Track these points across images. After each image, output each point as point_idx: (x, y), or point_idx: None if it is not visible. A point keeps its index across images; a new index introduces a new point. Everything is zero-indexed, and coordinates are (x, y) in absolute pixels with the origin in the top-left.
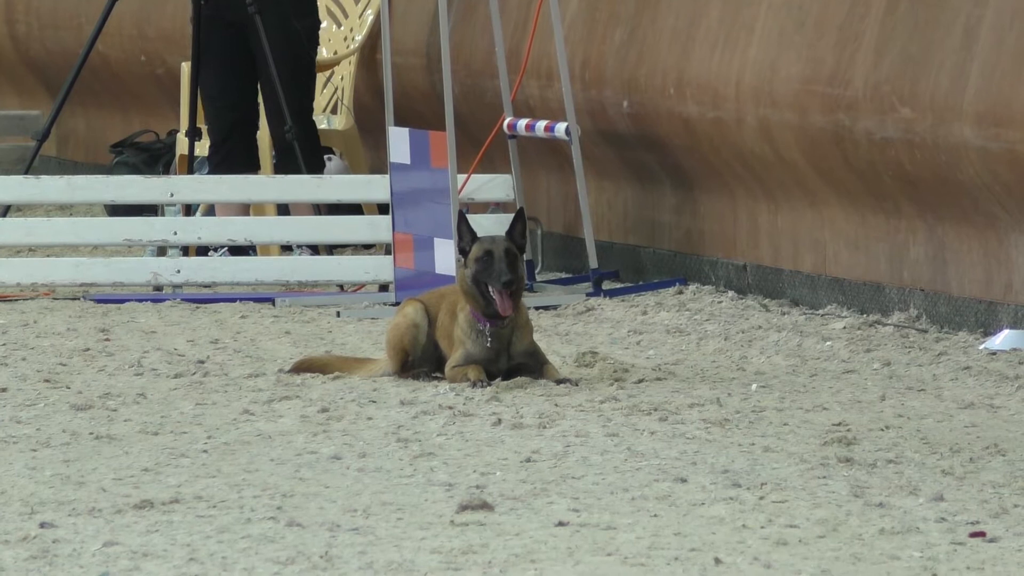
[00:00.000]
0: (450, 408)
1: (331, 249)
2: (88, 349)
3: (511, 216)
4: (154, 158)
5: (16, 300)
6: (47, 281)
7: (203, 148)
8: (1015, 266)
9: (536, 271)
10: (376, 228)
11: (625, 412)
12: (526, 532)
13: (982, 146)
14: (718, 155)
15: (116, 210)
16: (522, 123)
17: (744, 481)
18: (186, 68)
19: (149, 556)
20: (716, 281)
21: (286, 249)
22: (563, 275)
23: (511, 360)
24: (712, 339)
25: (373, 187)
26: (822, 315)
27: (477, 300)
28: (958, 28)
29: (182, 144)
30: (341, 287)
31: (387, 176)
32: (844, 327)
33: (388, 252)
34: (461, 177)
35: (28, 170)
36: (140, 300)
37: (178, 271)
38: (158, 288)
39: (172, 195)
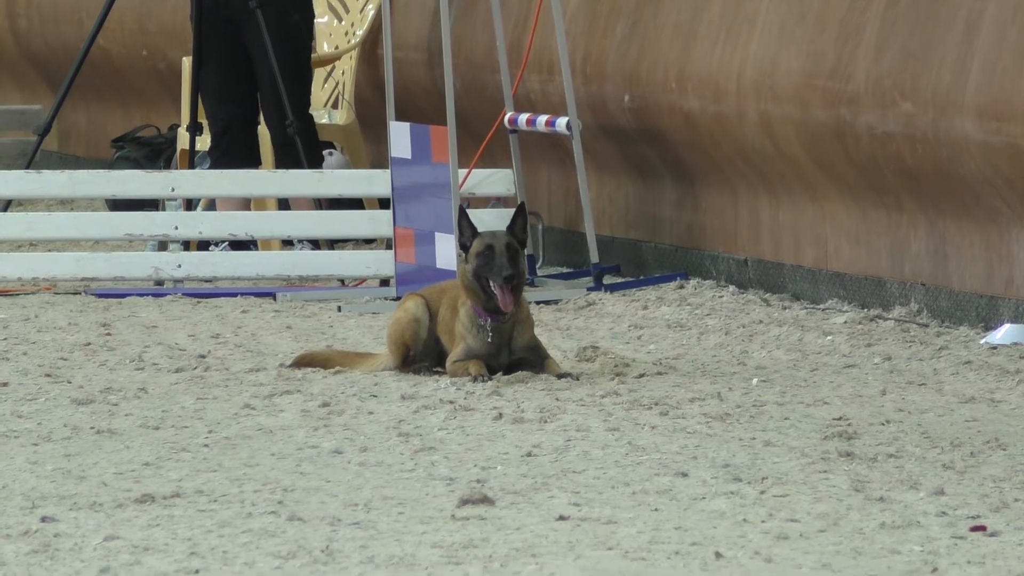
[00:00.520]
0: (451, 402)
1: (332, 244)
2: (89, 344)
3: (512, 211)
4: (155, 153)
5: (17, 295)
6: (48, 276)
7: (204, 143)
8: (1016, 260)
9: (537, 266)
10: (377, 223)
11: (626, 407)
12: (527, 526)
13: (983, 140)
14: (719, 149)
15: (117, 205)
16: (523, 117)
17: (745, 475)
18: (187, 63)
19: (150, 550)
20: (717, 276)
21: (287, 244)
22: (564, 270)
23: (512, 355)
24: (713, 334)
25: (374, 182)
26: (823, 309)
27: (478, 295)
28: (959, 22)
29: (183, 139)
30: (342, 282)
31: (388, 171)
32: (845, 321)
33: (389, 247)
34: (462, 172)
35: (29, 165)
36: (141, 295)
37: (179, 266)
38: (159, 283)
39: (173, 190)
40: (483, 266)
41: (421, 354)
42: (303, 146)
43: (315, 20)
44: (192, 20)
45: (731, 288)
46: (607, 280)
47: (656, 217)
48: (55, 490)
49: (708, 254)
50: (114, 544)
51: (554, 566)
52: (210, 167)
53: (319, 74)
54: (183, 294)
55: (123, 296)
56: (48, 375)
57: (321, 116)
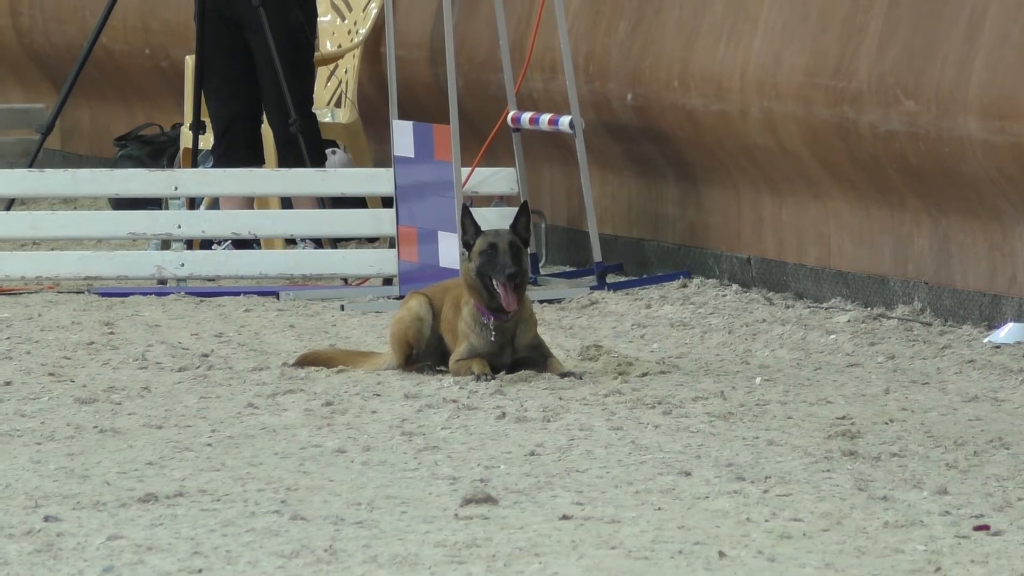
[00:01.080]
0: (454, 402)
1: (335, 242)
2: (92, 343)
3: (515, 209)
4: (158, 151)
5: (20, 294)
6: (51, 275)
7: (207, 141)
8: (1020, 259)
9: (540, 264)
10: (380, 221)
11: (629, 406)
12: (530, 526)
13: (986, 139)
14: (722, 148)
15: (120, 203)
16: (526, 116)
17: (748, 474)
18: (190, 61)
19: (153, 550)
20: (720, 274)
21: (290, 242)
22: (567, 268)
23: (515, 353)
24: (716, 332)
25: (377, 180)
26: (826, 308)
27: (481, 293)
28: (962, 20)
29: (186, 137)
30: (345, 280)
31: (391, 169)
32: (848, 320)
33: (392, 245)
34: (465, 170)
35: (32, 163)
36: (144, 293)
37: (182, 264)
38: (162, 281)
39: (176, 188)
40: (486, 264)
41: (424, 353)
42: (306, 145)
43: (318, 18)
44: (196, 19)
45: (734, 287)
46: (610, 279)
47: (659, 215)
48: (58, 489)
49: (711, 253)
50: (117, 543)
51: (557, 565)
52: (213, 166)
53: (322, 72)
54: (186, 293)
55: (126, 295)
56: (51, 374)
57: (324, 115)
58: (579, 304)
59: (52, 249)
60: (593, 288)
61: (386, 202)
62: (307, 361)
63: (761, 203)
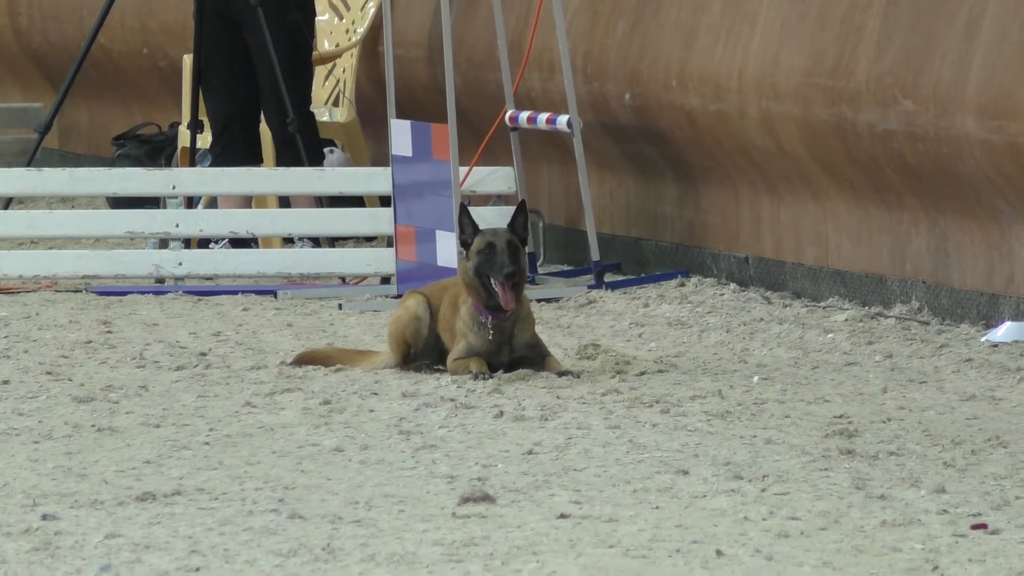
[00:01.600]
0: (452, 400)
1: (333, 242)
2: (90, 341)
3: (513, 208)
4: (156, 150)
5: (18, 292)
6: (49, 273)
7: (205, 141)
8: (1017, 258)
9: (538, 263)
10: (378, 220)
11: (627, 404)
12: (528, 524)
13: (984, 138)
14: (720, 147)
15: (118, 202)
16: (524, 115)
17: (746, 473)
18: (188, 61)
19: (151, 548)
20: (718, 273)
21: (288, 241)
22: (565, 267)
23: (513, 352)
24: (714, 331)
25: (375, 179)
26: (824, 307)
27: (479, 292)
28: (960, 20)
29: (184, 136)
30: (343, 279)
31: (389, 168)
32: (846, 319)
33: (390, 244)
34: (463, 169)
35: (30, 163)
36: (142, 292)
37: (180, 263)
38: (160, 280)
39: (174, 187)
40: (484, 263)
41: (422, 352)
42: (304, 144)
43: (316, 18)
44: (194, 18)
45: (732, 286)
46: (608, 278)
47: (657, 215)
48: (56, 488)
49: (709, 252)
50: (115, 542)
51: (555, 564)
52: (211, 165)
53: (320, 72)
54: (184, 292)
55: (124, 294)
56: (49, 373)
57: (322, 114)
58: (577, 303)
59: (50, 248)
60: (591, 287)
61: (384, 201)
62: (305, 360)
63: (759, 202)
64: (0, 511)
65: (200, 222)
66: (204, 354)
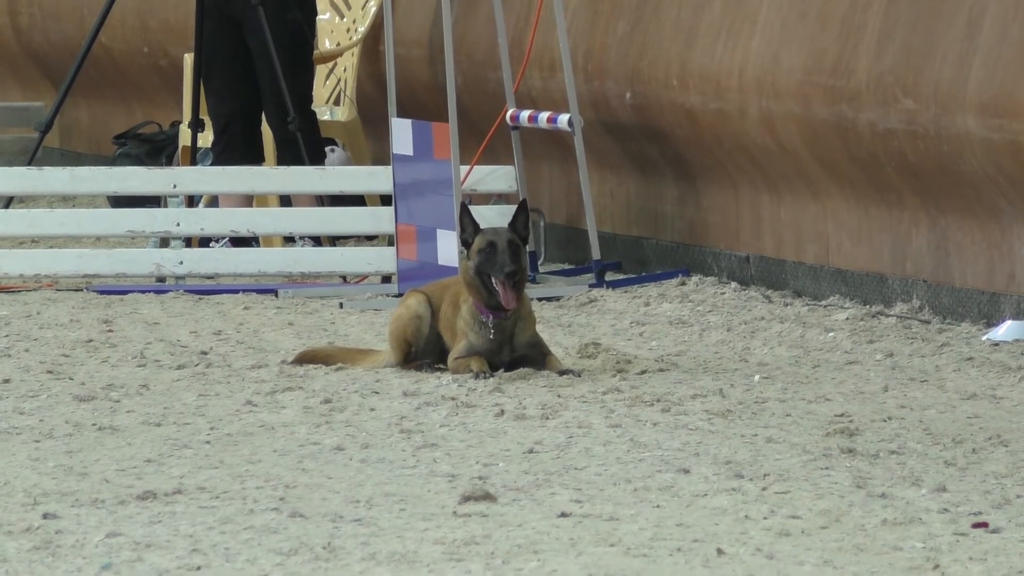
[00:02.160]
0: (453, 399)
1: (334, 240)
2: (91, 340)
3: (514, 207)
4: (157, 149)
5: (19, 291)
6: (50, 272)
7: (206, 139)
8: (1018, 257)
9: (539, 262)
10: (379, 219)
11: (628, 403)
12: (529, 523)
13: (985, 137)
14: (721, 146)
15: (119, 201)
16: (525, 114)
17: (747, 472)
18: (188, 60)
19: (152, 547)
20: (719, 272)
21: (289, 240)
22: (566, 266)
23: (514, 351)
24: (715, 330)
25: (376, 178)
26: (825, 306)
27: (480, 291)
28: (961, 19)
29: (185, 135)
30: (344, 278)
31: (390, 167)
32: (847, 318)
33: (391, 243)
34: (464, 168)
35: (31, 161)
36: (143, 291)
37: (181, 262)
38: (161, 279)
39: (175, 186)
40: (485, 262)
41: (423, 351)
42: (305, 143)
43: (317, 17)
44: (196, 17)
45: (733, 285)
46: (609, 277)
47: (658, 214)
48: (57, 487)
49: (710, 251)
50: (116, 541)
51: (556, 563)
52: (212, 164)
53: (321, 71)
54: (185, 291)
55: (125, 293)
56: (50, 372)
57: (323, 113)
58: (578, 302)
59: (51, 247)
60: (592, 286)
61: (385, 200)
62: (306, 359)
63: (760, 201)
64: (1, 510)
65: (201, 221)
66: (205, 353)
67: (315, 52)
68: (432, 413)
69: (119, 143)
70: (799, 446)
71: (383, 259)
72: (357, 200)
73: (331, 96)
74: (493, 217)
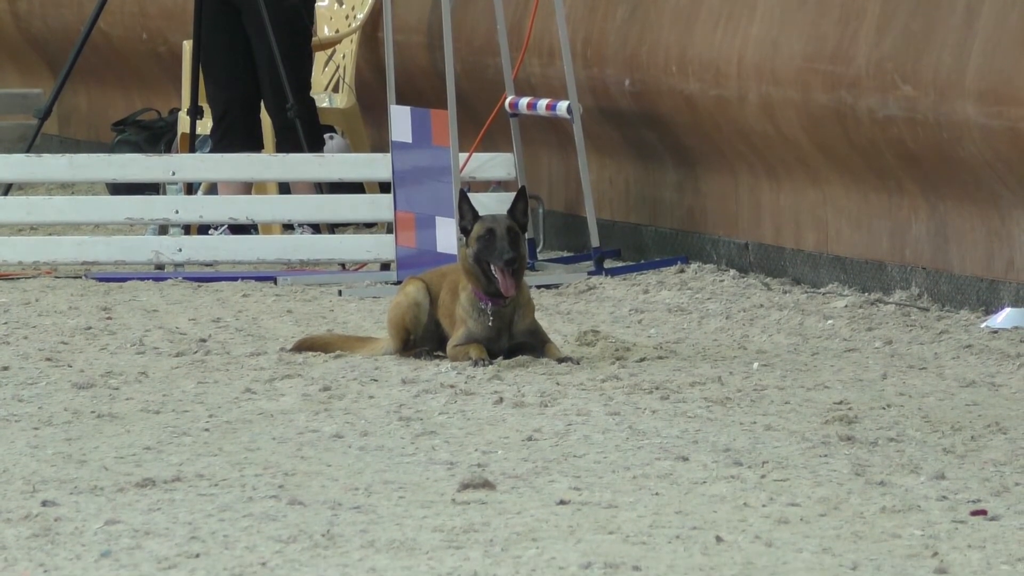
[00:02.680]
0: (451, 387)
1: (333, 228)
2: (90, 328)
3: (513, 195)
4: (156, 136)
5: (18, 279)
6: (49, 260)
7: (205, 126)
8: (1017, 244)
9: (537, 250)
10: (377, 207)
11: (626, 391)
12: (527, 510)
13: (984, 124)
14: (720, 133)
15: (118, 188)
16: (524, 101)
17: (745, 459)
18: (188, 46)
19: (151, 534)
20: (718, 260)
21: (288, 228)
22: (564, 254)
23: (512, 339)
24: (714, 318)
25: (375, 166)
26: (824, 294)
27: (479, 279)
28: (960, 6)
29: (184, 122)
30: (343, 266)
31: (389, 155)
32: (846, 305)
33: (390, 231)
34: (463, 155)
35: (30, 148)
36: (142, 278)
37: (180, 250)
38: (160, 267)
39: (174, 173)
40: (484, 250)
41: (422, 338)
42: (304, 130)
43: (315, 3)
44: (194, 3)
45: (732, 272)
46: (608, 264)
47: (657, 201)
48: (56, 474)
49: (709, 238)
50: (115, 528)
51: (555, 550)
52: (211, 151)
53: (320, 58)
54: (184, 278)
55: (124, 280)
56: (49, 359)
57: (322, 100)
58: (577, 289)
59: (49, 234)
60: (591, 273)
61: (384, 187)
62: (305, 346)
63: (759, 188)
64: (0, 497)
65: (200, 208)
66: (204, 340)
67: (314, 39)
68: (431, 400)
69: (118, 130)
70: (798, 434)
71: (382, 246)
72: (356, 187)
73: (330, 83)
74: (492, 204)
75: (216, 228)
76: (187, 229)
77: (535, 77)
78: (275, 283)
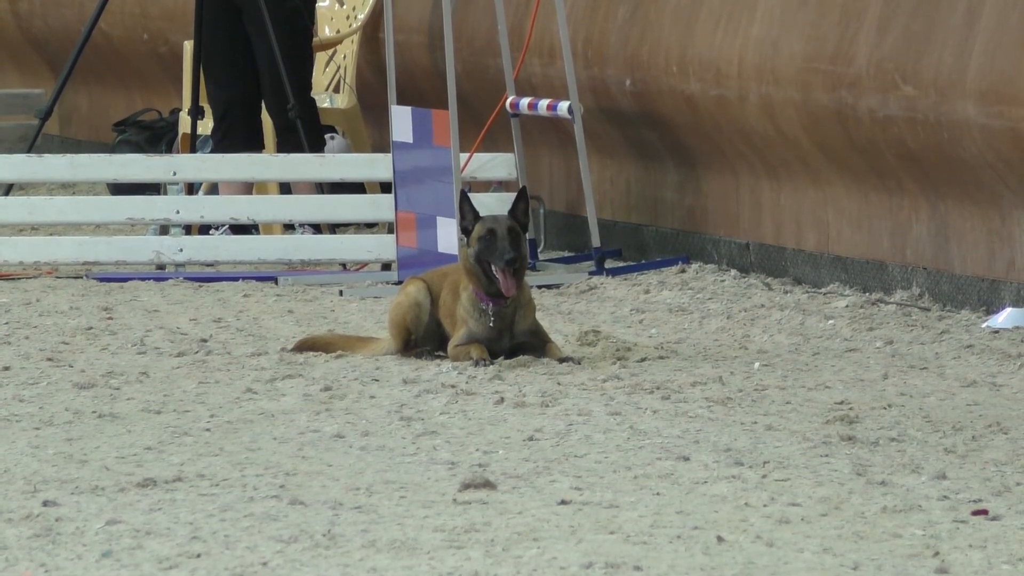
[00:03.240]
0: (453, 387)
1: (333, 228)
2: (91, 328)
3: (513, 195)
4: (157, 137)
5: (19, 279)
6: (50, 260)
7: (206, 127)
8: (1018, 244)
9: (538, 250)
10: (378, 207)
11: (627, 391)
12: (528, 510)
13: (985, 124)
14: (721, 133)
15: (119, 189)
16: (524, 101)
17: (746, 459)
18: (188, 47)
19: (152, 534)
20: (719, 259)
21: (289, 228)
22: (565, 254)
23: (513, 339)
24: (714, 318)
25: (376, 166)
26: (824, 293)
27: (480, 279)
28: (961, 6)
29: (185, 123)
30: (344, 266)
31: (390, 155)
32: (847, 305)
33: (391, 231)
34: (464, 156)
35: (31, 148)
36: (143, 279)
37: (181, 250)
38: (161, 267)
39: (175, 174)
40: (485, 250)
41: (423, 338)
42: (304, 130)
43: (316, 4)
44: (195, 3)
45: (733, 272)
46: (608, 264)
47: (658, 201)
48: (57, 474)
49: (710, 238)
50: (116, 528)
51: (556, 550)
52: (212, 151)
53: (320, 58)
54: (185, 278)
55: (125, 280)
56: (50, 359)
57: (323, 100)
58: (578, 289)
59: (50, 234)
60: (592, 273)
61: (385, 187)
62: (306, 346)
63: (760, 188)
64: (1, 497)
65: (201, 208)
66: (205, 340)
67: (315, 39)
68: (432, 401)
69: (119, 130)
70: (799, 434)
71: (383, 246)
72: (357, 187)
73: (331, 83)
74: (493, 204)
75: (217, 228)
76: (188, 229)
77: (536, 77)
78: (276, 283)
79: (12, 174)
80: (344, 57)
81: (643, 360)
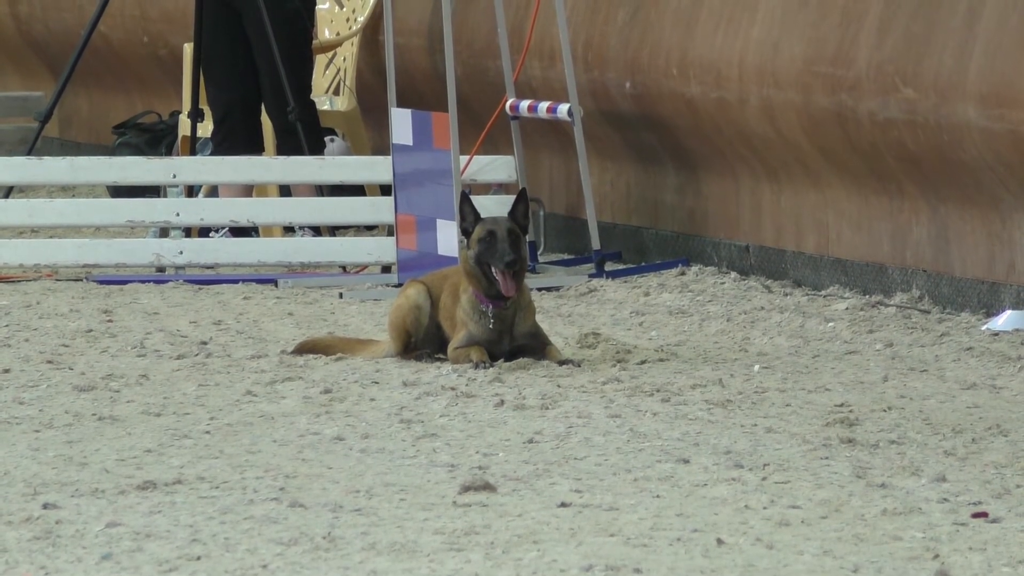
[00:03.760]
0: (453, 389)
1: (333, 230)
2: (91, 330)
3: (513, 197)
4: (157, 139)
5: (19, 281)
6: (50, 262)
7: (206, 129)
8: (1018, 246)
9: (538, 252)
10: (378, 209)
11: (627, 393)
12: (528, 513)
13: (985, 126)
14: (721, 135)
15: (119, 191)
16: (524, 104)
17: (746, 462)
18: (188, 49)
19: (152, 537)
20: (719, 262)
21: (288, 230)
22: (565, 256)
23: (513, 341)
24: (714, 320)
25: (376, 168)
26: (825, 296)
27: (480, 281)
28: (961, 8)
29: (185, 125)
30: (344, 268)
31: (389, 157)
32: (847, 308)
33: (390, 233)
34: (464, 158)
35: (31, 151)
36: (143, 281)
37: (181, 252)
38: (161, 269)
39: (175, 176)
40: (485, 252)
41: (422, 341)
42: (304, 133)
43: (316, 6)
44: (195, 6)
45: (733, 274)
46: (608, 266)
47: (658, 203)
48: (57, 477)
49: (710, 240)
50: (116, 531)
51: (555, 552)
52: (211, 153)
53: (320, 60)
54: (185, 281)
55: (125, 283)
56: (49, 362)
57: (322, 102)
58: (577, 292)
59: (50, 237)
60: (592, 276)
61: (384, 190)
62: (306, 349)
63: (760, 191)
64: (1, 500)
65: (201, 211)
66: (205, 343)
67: (314, 42)
68: (432, 403)
69: (119, 133)
70: (799, 436)
71: (383, 249)
72: (357, 190)
73: (331, 86)
74: (493, 207)
75: (217, 231)
76: (188, 232)
77: (536, 80)
78: (276, 286)
79: (12, 176)
80: (344, 59)
81: (643, 362)
